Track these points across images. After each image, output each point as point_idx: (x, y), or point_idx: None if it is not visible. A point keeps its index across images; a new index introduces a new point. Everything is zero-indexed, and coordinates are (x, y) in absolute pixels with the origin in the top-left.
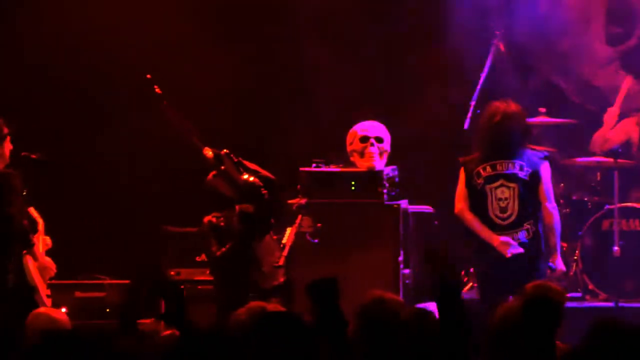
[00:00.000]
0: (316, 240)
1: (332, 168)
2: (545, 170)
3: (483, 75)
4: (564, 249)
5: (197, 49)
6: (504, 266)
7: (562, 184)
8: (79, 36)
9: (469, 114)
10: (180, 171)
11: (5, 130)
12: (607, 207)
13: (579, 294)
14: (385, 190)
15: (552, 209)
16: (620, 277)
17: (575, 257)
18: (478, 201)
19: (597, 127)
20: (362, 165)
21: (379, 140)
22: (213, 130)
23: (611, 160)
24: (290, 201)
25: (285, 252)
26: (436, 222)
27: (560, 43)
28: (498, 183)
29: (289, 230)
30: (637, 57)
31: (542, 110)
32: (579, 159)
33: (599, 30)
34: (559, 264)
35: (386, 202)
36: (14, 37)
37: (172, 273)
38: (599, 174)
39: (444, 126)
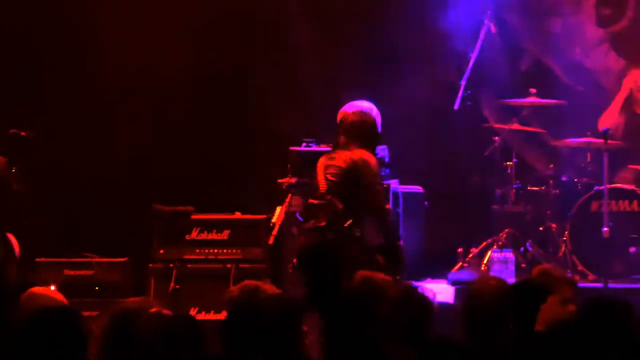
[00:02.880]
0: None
1: (323, 147)
2: None
3: (474, 56)
4: (553, 229)
5: (183, 31)
6: None
7: (551, 165)
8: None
9: (460, 94)
10: (172, 149)
11: None
12: (596, 188)
13: (568, 275)
14: None
15: None
16: (609, 258)
17: (565, 238)
18: None
19: (587, 108)
20: None
21: None
22: (202, 112)
23: (601, 141)
24: (280, 180)
25: (275, 232)
26: (426, 202)
27: (552, 24)
28: None
29: (278, 209)
30: (627, 38)
31: (533, 91)
32: (568, 140)
33: (590, 11)
34: None
35: None
36: None
37: (161, 252)
38: (588, 154)
39: (434, 106)
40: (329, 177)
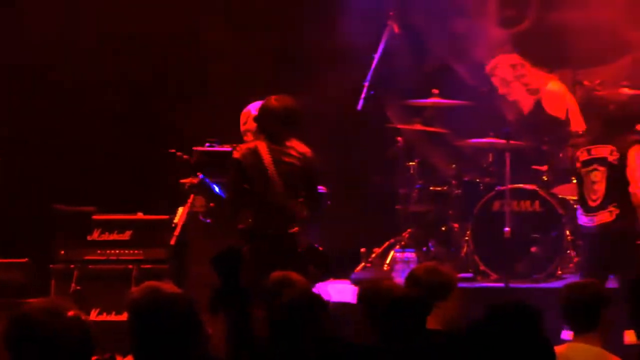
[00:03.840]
0: (209, 220)
1: (226, 147)
2: None
3: (377, 56)
4: (456, 229)
5: (98, 30)
6: None
7: (454, 165)
8: None
9: (363, 95)
10: (73, 148)
11: None
12: (498, 188)
13: (470, 275)
14: None
15: None
16: (510, 258)
17: (467, 238)
18: None
19: (491, 109)
20: None
21: None
22: (105, 111)
23: (503, 141)
24: (182, 180)
25: (177, 232)
26: (329, 202)
27: (455, 25)
28: None
29: (181, 209)
30: (530, 39)
31: (436, 91)
32: (471, 140)
33: (493, 12)
34: None
35: None
36: None
37: (62, 252)
38: (490, 155)
39: (338, 106)
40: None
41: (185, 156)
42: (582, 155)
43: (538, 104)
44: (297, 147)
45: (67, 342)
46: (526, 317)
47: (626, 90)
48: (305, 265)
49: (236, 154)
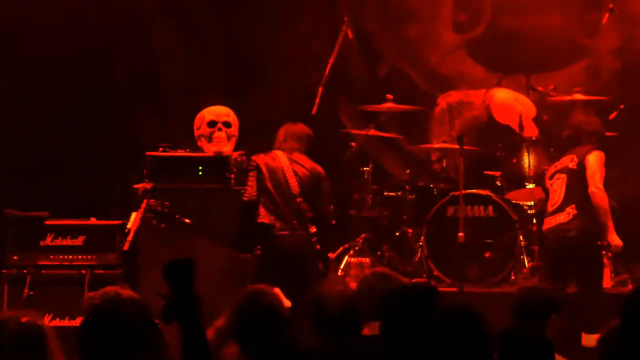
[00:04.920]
0: (162, 226)
1: (179, 153)
2: None
3: (331, 61)
4: (410, 234)
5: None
6: None
7: (408, 171)
8: None
9: (317, 100)
10: (25, 152)
11: None
12: (452, 193)
13: (424, 280)
14: (232, 176)
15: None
16: (464, 263)
17: (421, 243)
18: None
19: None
20: (209, 150)
21: (227, 124)
22: (57, 114)
23: (456, 146)
24: (136, 186)
25: (130, 237)
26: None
27: (408, 30)
28: None
29: (134, 215)
30: (483, 45)
31: (389, 97)
32: (425, 146)
33: (446, 17)
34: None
35: (233, 187)
36: None
37: (15, 258)
38: (444, 160)
39: (292, 112)
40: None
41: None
42: (549, 171)
43: (490, 115)
44: (307, 161)
45: (21, 348)
46: (469, 318)
47: (579, 96)
48: (318, 263)
49: (256, 159)
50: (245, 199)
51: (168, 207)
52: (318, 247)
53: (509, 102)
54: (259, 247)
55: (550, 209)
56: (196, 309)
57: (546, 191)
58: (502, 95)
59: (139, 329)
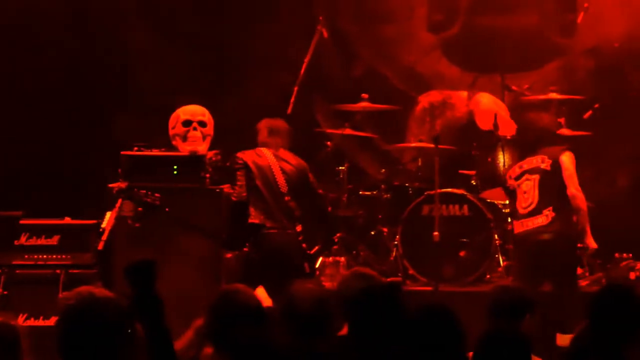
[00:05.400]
0: (137, 225)
1: (154, 152)
2: None
3: (307, 61)
4: (385, 233)
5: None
6: None
7: (383, 170)
8: None
9: (292, 99)
10: None
11: None
12: (427, 192)
13: (399, 279)
14: (207, 175)
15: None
16: (439, 262)
17: (396, 242)
18: None
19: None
20: (184, 149)
21: (202, 124)
22: (32, 113)
23: (432, 145)
24: (110, 185)
25: (104, 237)
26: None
27: (384, 30)
28: None
29: (109, 214)
30: (459, 44)
31: (365, 96)
32: (400, 145)
33: (422, 17)
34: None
35: (208, 187)
36: None
37: None
38: (420, 159)
39: (267, 111)
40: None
41: (149, 198)
42: (513, 172)
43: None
44: (292, 158)
45: None
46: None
47: (554, 95)
48: (304, 263)
49: (243, 156)
50: (235, 198)
51: (159, 199)
52: (304, 245)
53: (490, 106)
54: (247, 244)
55: (522, 211)
56: (158, 309)
57: (508, 192)
58: (486, 100)
59: (114, 327)
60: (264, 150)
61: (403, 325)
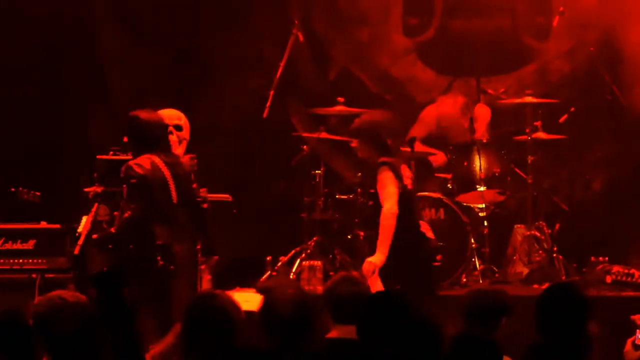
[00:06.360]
0: (113, 229)
1: (130, 156)
2: None
3: (282, 64)
4: (361, 237)
5: None
6: None
7: (359, 174)
8: None
9: (268, 103)
10: None
11: None
12: None
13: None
14: None
15: None
16: None
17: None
18: None
19: (395, 117)
20: None
21: (178, 128)
22: (6, 115)
23: (408, 149)
24: (86, 189)
25: (80, 241)
26: (235, 211)
27: (359, 33)
28: None
29: (84, 218)
30: (433, 48)
31: (340, 100)
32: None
33: (397, 21)
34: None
35: None
36: None
37: None
38: None
39: (243, 114)
40: None
41: (27, 195)
42: None
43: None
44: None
45: None
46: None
47: (530, 99)
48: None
49: (139, 169)
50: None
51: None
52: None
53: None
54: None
55: None
56: (125, 316)
57: None
58: (484, 112)
59: (84, 332)
60: (154, 157)
61: (393, 328)
